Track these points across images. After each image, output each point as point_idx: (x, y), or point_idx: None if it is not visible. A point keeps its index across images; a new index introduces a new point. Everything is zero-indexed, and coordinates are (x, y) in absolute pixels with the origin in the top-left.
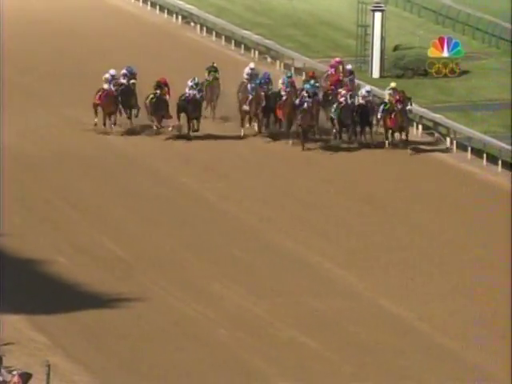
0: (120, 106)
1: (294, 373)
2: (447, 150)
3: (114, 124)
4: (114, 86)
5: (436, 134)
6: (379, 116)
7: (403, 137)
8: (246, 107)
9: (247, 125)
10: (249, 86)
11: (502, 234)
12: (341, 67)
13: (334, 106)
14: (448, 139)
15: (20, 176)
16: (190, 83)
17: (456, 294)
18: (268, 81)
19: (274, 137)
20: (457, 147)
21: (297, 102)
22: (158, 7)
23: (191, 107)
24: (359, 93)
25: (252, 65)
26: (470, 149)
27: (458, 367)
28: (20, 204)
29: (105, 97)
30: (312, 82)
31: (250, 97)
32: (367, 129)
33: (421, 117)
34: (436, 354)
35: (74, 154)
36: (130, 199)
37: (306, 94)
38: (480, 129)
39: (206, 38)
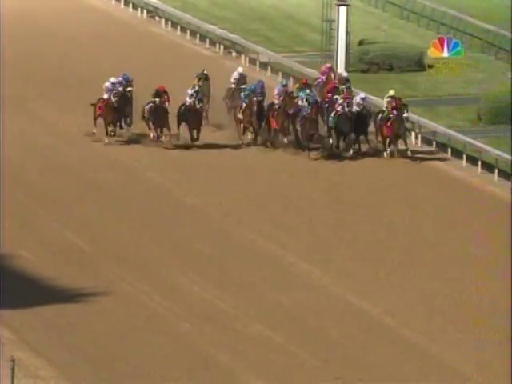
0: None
1: (259, 367)
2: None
3: (113, 135)
4: (113, 96)
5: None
6: (377, 125)
7: (403, 146)
8: (239, 115)
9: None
10: (242, 94)
11: (470, 228)
12: (332, 74)
13: (332, 114)
14: (413, 133)
15: None
16: (189, 91)
17: (421, 289)
18: (262, 90)
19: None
20: (421, 141)
21: (291, 110)
22: (122, 1)
23: (192, 116)
24: (353, 100)
25: (240, 69)
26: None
27: (423, 361)
28: None
29: (105, 107)
30: (307, 91)
31: (244, 104)
32: (362, 137)
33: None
34: (401, 349)
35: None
36: (95, 194)
37: (305, 103)
38: (444, 123)
39: (171, 32)
